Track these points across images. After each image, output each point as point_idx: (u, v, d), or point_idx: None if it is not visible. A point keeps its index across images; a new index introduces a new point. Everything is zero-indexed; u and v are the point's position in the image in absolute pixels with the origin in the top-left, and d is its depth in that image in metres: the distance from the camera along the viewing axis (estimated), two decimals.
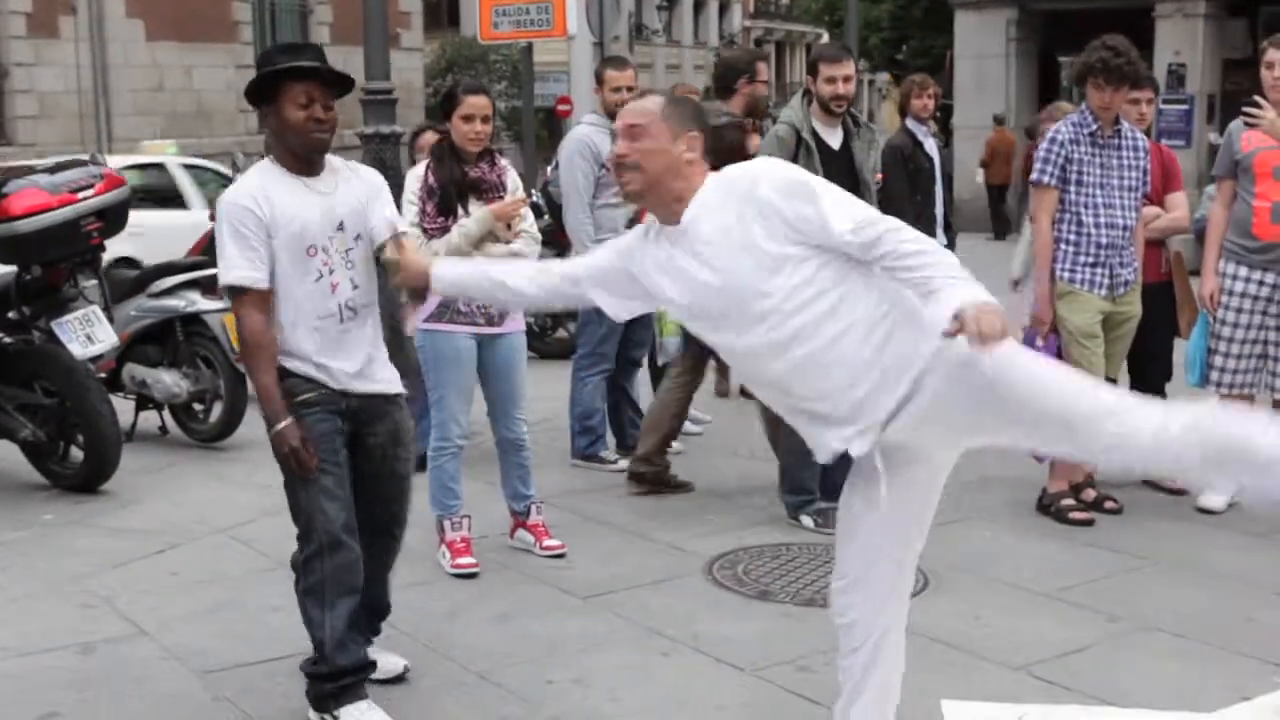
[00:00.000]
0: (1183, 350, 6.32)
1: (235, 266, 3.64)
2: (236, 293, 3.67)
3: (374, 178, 3.91)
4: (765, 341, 2.98)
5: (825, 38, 52.45)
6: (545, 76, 28.87)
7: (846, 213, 2.93)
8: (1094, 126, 5.73)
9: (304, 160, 3.72)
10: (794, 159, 5.46)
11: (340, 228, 3.73)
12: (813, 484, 5.74)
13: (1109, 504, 5.97)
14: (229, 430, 7.23)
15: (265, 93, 3.68)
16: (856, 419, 2.98)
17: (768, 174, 3.01)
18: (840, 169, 5.62)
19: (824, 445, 3.07)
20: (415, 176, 5.16)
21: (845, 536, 3.24)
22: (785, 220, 2.93)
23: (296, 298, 3.68)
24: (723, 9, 50.09)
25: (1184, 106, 20.85)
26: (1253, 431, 2.89)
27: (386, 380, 3.88)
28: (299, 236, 3.66)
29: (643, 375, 7.23)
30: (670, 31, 45.12)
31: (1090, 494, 5.95)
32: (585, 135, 6.60)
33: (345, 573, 3.73)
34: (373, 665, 3.91)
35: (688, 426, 7.26)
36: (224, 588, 5.00)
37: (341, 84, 3.77)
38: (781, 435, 5.60)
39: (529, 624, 4.59)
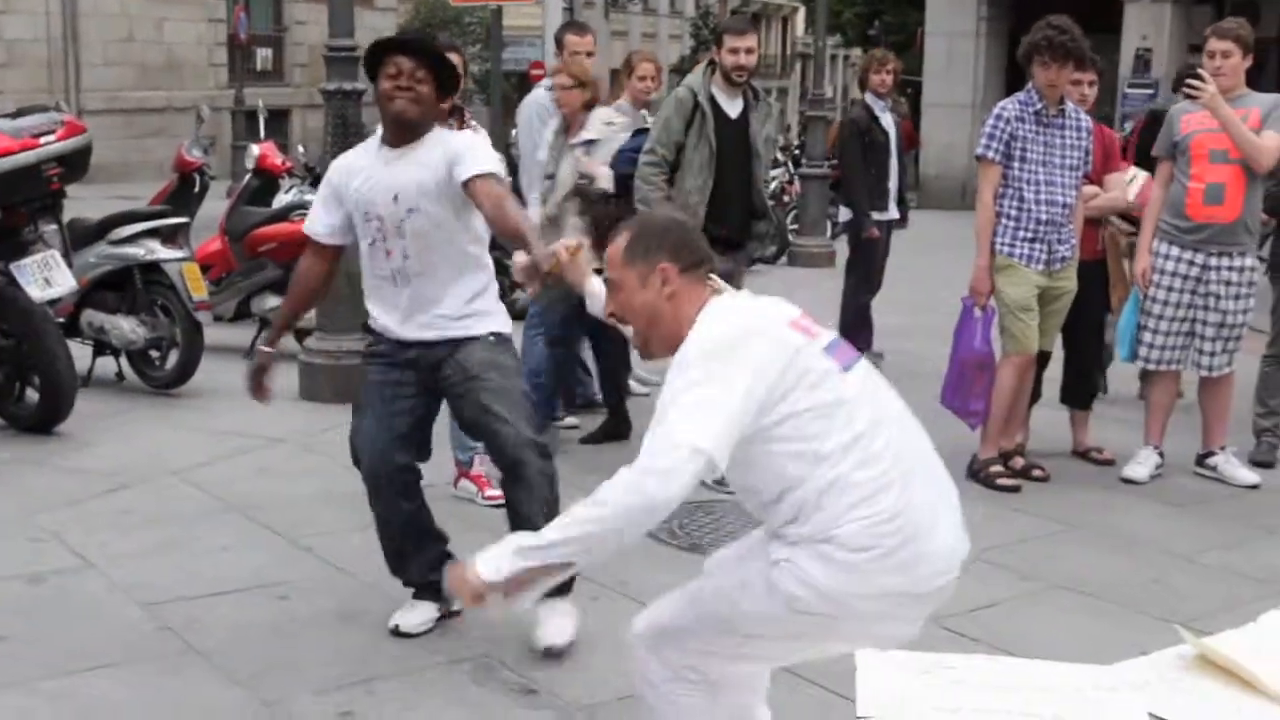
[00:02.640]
0: (1114, 326, 6.54)
1: (309, 218, 4.20)
2: (307, 238, 4.20)
3: (457, 143, 3.98)
4: None
5: (801, 11, 52.53)
6: (520, 41, 28.91)
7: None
8: (1039, 105, 5.89)
9: (393, 130, 3.98)
10: (690, 122, 5.75)
11: (395, 200, 3.94)
12: None
13: (1036, 472, 6.17)
14: (184, 378, 7.35)
15: (371, 70, 3.99)
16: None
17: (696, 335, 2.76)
18: (735, 136, 6.00)
19: None
20: None
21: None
22: None
23: (364, 258, 4.08)
24: None
25: (1149, 90, 21.06)
26: None
27: (449, 326, 4.04)
28: (360, 204, 3.99)
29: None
30: (646, 1, 45.06)
31: (1019, 462, 6.15)
32: (542, 99, 6.73)
33: (372, 501, 4.14)
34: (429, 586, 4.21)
35: (635, 387, 7.42)
36: (174, 527, 5.14)
37: (434, 60, 3.96)
38: None
39: None
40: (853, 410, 2.69)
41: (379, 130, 4.09)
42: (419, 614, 4.20)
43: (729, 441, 2.58)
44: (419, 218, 3.94)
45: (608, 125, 6.29)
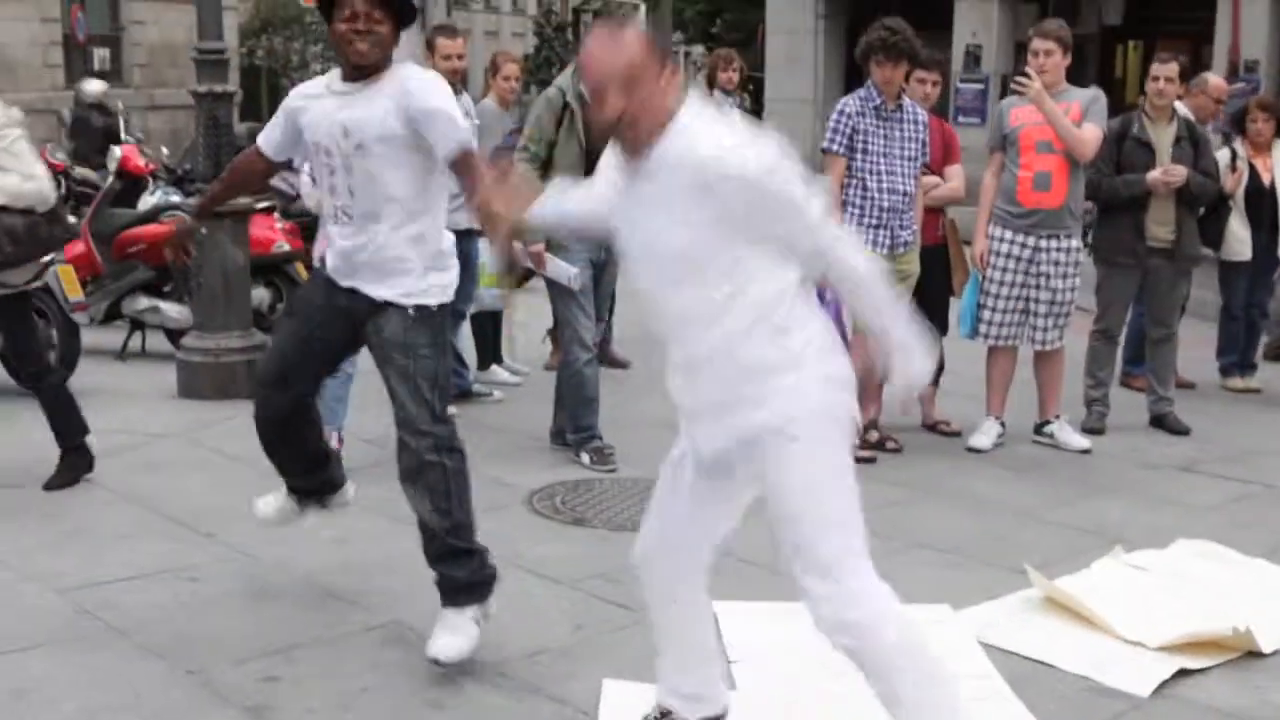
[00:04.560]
0: (957, 307, 7.04)
1: (263, 133, 4.26)
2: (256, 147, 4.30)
3: (421, 98, 3.89)
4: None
5: (642, 10, 53.02)
6: None
7: None
8: (878, 101, 6.32)
9: (350, 68, 3.97)
10: (560, 120, 6.09)
11: (345, 135, 3.91)
12: (593, 422, 6.29)
13: (890, 444, 6.63)
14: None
15: (325, 9, 3.98)
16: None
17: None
18: None
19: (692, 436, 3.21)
20: None
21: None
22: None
23: (321, 189, 4.13)
24: None
25: (979, 85, 21.96)
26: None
27: (378, 286, 3.99)
28: (312, 133, 3.99)
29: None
30: None
31: (874, 435, 6.59)
32: None
33: (257, 419, 4.24)
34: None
35: (506, 377, 7.73)
36: (74, 519, 5.29)
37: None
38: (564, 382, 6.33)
39: (366, 547, 5.02)
40: None
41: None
42: (274, 502, 4.54)
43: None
44: (367, 157, 3.90)
45: None
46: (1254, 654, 4.23)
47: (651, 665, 3.66)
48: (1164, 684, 4.02)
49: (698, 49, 36.03)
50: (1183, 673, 4.09)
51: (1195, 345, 8.57)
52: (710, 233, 2.95)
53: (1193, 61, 21.31)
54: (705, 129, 2.99)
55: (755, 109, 24.76)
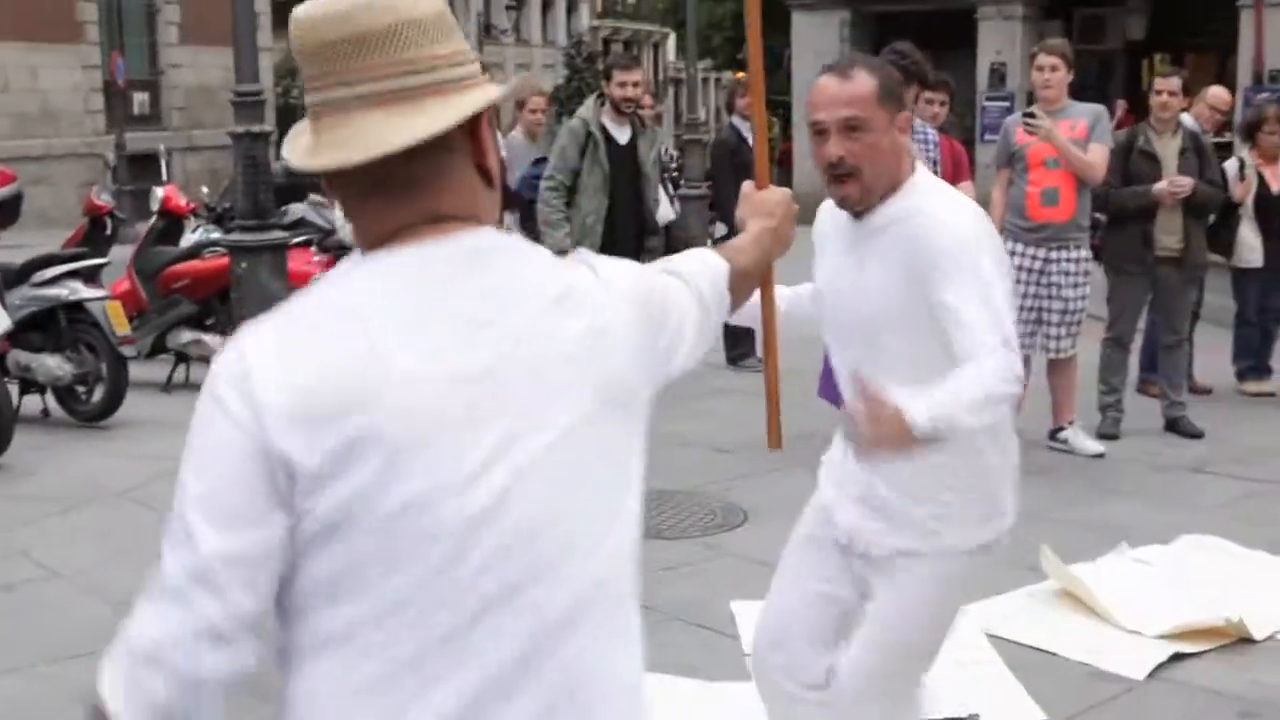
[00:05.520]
0: None
1: None
2: None
3: None
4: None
5: (672, 37, 53.55)
6: None
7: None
8: None
9: None
10: (584, 149, 6.40)
11: None
12: None
13: None
14: (111, 410, 7.74)
15: None
16: None
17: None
18: (625, 161, 6.67)
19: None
20: None
21: None
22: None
23: None
24: (570, 8, 50.83)
25: (1005, 103, 22.16)
26: None
27: None
28: None
29: None
30: (519, 31, 45.72)
31: None
32: None
33: None
34: None
35: None
36: (125, 539, 5.57)
37: None
38: None
39: None
40: None
41: None
42: None
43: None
44: None
45: None
46: (1247, 640, 4.42)
47: (665, 658, 3.89)
48: (1159, 667, 4.23)
49: (727, 74, 36.40)
50: (1177, 656, 4.30)
51: (1212, 351, 8.74)
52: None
53: (1218, 73, 21.54)
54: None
55: (785, 132, 25.11)
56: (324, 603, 1.45)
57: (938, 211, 2.72)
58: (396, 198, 1.50)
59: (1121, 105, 16.55)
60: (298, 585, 1.45)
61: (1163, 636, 4.40)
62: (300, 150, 1.54)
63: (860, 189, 2.77)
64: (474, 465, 1.44)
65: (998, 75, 22.80)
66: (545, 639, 1.48)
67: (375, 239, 1.52)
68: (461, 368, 1.45)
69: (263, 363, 1.43)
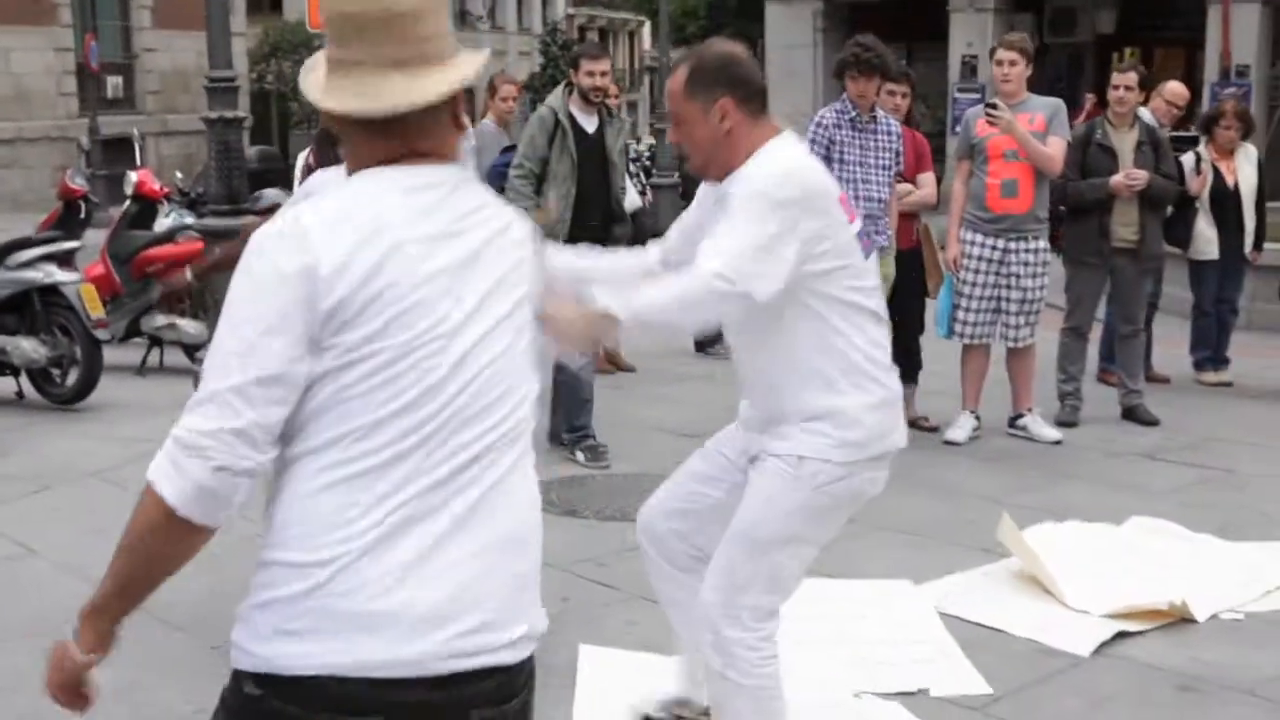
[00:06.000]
0: (933, 308, 7.41)
1: None
2: None
3: None
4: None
5: (647, 26, 53.62)
6: None
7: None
8: (853, 113, 6.69)
9: None
10: (552, 138, 6.49)
11: None
12: (587, 422, 6.65)
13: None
14: (85, 393, 7.81)
15: None
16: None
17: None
18: (593, 149, 6.74)
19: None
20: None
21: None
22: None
23: None
24: None
25: (976, 95, 22.32)
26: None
27: None
28: None
29: None
30: (494, 18, 45.65)
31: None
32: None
33: None
34: None
35: None
36: (101, 518, 5.60)
37: None
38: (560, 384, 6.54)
39: None
40: (868, 291, 3.22)
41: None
42: None
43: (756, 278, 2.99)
44: None
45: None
46: (1189, 620, 4.59)
47: (630, 636, 4.02)
48: (1104, 644, 4.39)
49: None
50: (1122, 634, 4.46)
51: (1170, 342, 8.94)
52: None
53: (1187, 67, 21.73)
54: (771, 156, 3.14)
55: None
56: (329, 421, 1.88)
57: (746, 170, 3.11)
58: (394, 135, 1.95)
59: (1090, 99, 16.72)
60: (308, 407, 1.88)
61: (1108, 616, 4.56)
62: (318, 91, 1.98)
63: (699, 167, 3.25)
64: (456, 322, 1.92)
65: (969, 67, 22.99)
66: (484, 456, 1.97)
67: (368, 163, 1.97)
68: (445, 258, 1.93)
69: (318, 227, 1.88)
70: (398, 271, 1.88)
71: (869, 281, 3.26)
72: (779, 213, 3.03)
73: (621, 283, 3.12)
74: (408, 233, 1.90)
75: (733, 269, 2.97)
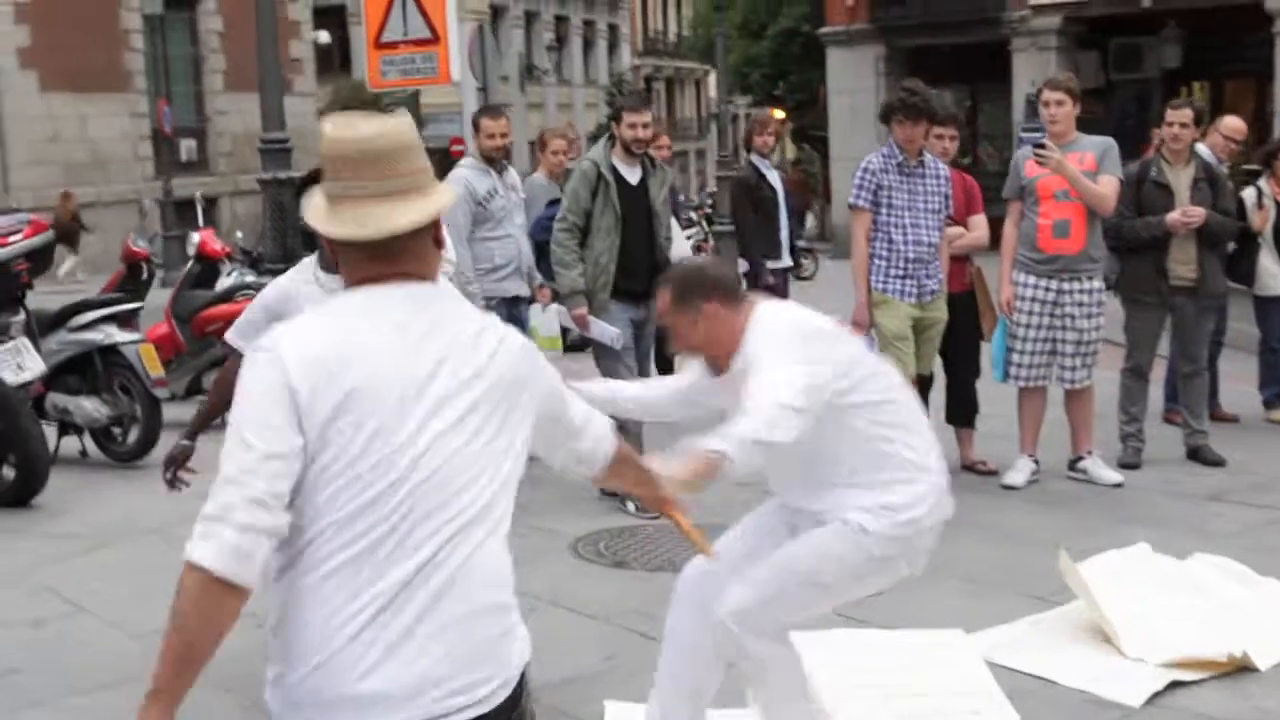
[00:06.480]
0: (988, 351, 7.31)
1: None
2: None
3: None
4: None
5: (713, 74, 53.88)
6: (438, 118, 29.65)
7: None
8: (900, 158, 6.66)
9: None
10: (595, 191, 6.51)
11: None
12: None
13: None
14: (146, 450, 7.91)
15: None
16: None
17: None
18: (636, 200, 6.76)
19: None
20: None
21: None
22: None
23: None
24: (612, 47, 51.21)
25: (1040, 134, 22.09)
26: None
27: None
28: None
29: None
30: (560, 71, 46.11)
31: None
32: (463, 177, 7.43)
33: None
34: None
35: None
36: (155, 576, 5.66)
37: None
38: None
39: None
40: (897, 399, 3.61)
41: None
42: None
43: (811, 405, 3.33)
44: None
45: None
46: (1250, 667, 4.45)
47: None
48: (1158, 694, 4.26)
49: (764, 112, 36.67)
50: (1176, 682, 4.33)
51: (1238, 379, 8.76)
52: None
53: (1258, 99, 21.36)
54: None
55: (824, 165, 25.09)
56: (311, 515, 2.15)
57: (748, 344, 3.48)
58: (381, 257, 2.24)
59: (1158, 134, 16.46)
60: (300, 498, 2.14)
61: (1164, 665, 4.43)
62: (319, 218, 2.28)
63: (707, 363, 3.66)
64: (414, 425, 2.17)
65: (1033, 107, 22.70)
66: (448, 542, 2.19)
67: (359, 280, 2.27)
68: (411, 365, 2.20)
69: (289, 340, 2.18)
70: (366, 401, 2.14)
71: (885, 380, 3.61)
72: (797, 345, 3.42)
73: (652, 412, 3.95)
74: (377, 359, 2.17)
75: (791, 393, 3.28)
